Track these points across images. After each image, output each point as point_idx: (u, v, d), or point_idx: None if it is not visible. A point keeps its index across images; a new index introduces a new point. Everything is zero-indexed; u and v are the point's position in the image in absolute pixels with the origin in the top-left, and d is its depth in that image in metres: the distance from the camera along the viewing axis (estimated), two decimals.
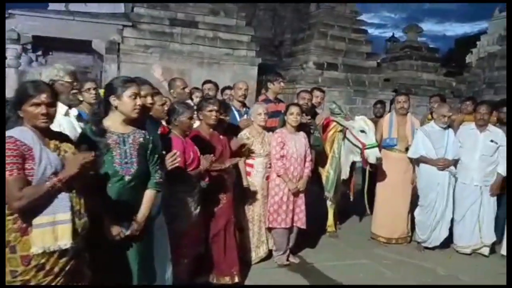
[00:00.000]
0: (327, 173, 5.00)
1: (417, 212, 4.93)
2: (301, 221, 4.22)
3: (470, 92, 13.61)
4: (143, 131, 2.53)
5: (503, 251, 4.74)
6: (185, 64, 10.06)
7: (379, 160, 4.67)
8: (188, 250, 3.25)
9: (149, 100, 2.77)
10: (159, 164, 2.57)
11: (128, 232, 2.37)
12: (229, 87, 5.43)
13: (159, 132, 3.08)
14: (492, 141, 4.65)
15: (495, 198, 4.73)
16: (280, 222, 4.10)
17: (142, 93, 2.65)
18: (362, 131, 4.69)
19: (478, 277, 4.22)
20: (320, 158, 5.03)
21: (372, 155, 4.63)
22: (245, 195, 4.08)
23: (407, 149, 4.99)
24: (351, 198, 5.25)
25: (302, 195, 4.23)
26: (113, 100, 2.42)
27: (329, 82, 10.92)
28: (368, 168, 4.90)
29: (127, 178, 2.38)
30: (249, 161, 4.12)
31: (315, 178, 4.87)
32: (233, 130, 4.14)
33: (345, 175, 5.05)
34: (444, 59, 15.97)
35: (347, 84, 11.29)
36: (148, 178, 2.50)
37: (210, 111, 3.52)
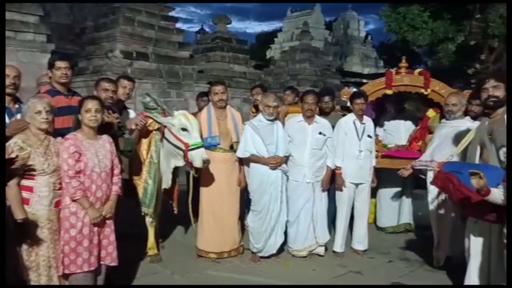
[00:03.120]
0: (145, 183, 4.04)
1: (250, 218, 4.33)
2: (111, 257, 3.12)
3: (277, 83, 14.34)
4: None
5: (335, 247, 4.58)
6: None
7: (206, 162, 3.88)
8: None
9: None
10: None
11: None
12: None
13: None
14: (320, 133, 4.37)
15: (326, 193, 4.50)
16: (81, 264, 2.91)
17: None
18: (184, 129, 3.85)
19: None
20: (134, 166, 4.02)
21: (197, 157, 3.82)
22: (21, 234, 2.77)
23: (231, 147, 4.36)
24: (175, 210, 4.37)
25: (110, 222, 3.13)
26: None
27: (140, 73, 9.88)
28: (193, 172, 4.09)
29: None
30: (25, 182, 2.81)
31: (129, 191, 3.86)
32: None
33: (166, 184, 4.15)
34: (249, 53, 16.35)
35: (159, 76, 10.42)
36: None
37: None
